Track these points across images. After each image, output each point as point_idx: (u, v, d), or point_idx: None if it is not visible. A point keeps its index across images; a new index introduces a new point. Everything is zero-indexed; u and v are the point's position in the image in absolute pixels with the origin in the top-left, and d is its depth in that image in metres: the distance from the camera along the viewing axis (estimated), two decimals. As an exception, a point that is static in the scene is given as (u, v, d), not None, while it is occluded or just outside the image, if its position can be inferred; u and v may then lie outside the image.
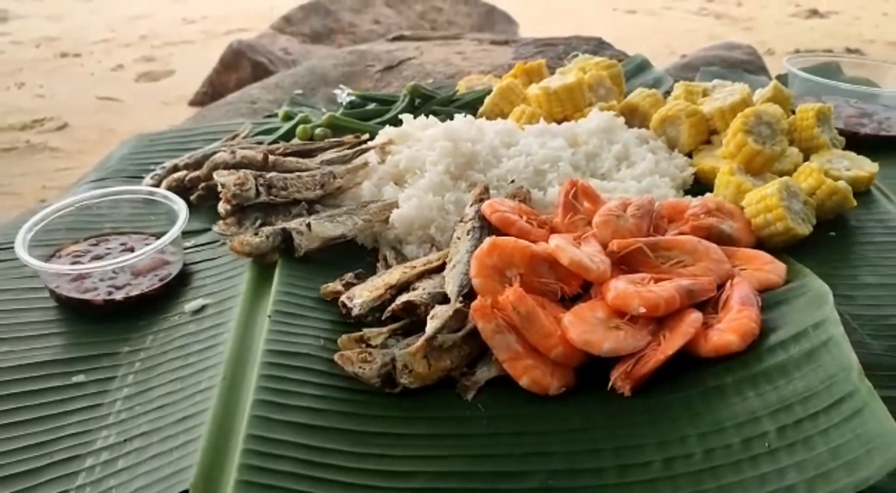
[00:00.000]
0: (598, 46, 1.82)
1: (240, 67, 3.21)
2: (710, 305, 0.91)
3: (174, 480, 0.72)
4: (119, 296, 1.00)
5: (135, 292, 1.01)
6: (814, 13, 6.10)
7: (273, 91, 1.62)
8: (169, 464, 0.75)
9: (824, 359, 0.78)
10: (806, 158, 1.21)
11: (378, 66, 1.70)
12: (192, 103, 3.42)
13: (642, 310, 0.86)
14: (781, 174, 1.11)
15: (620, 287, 0.89)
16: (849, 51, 4.88)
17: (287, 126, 1.35)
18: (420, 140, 1.19)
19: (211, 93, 3.32)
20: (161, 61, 4.24)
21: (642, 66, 1.64)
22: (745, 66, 2.15)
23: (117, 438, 0.81)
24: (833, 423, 0.72)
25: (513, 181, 1.11)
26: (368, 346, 0.88)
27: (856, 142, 1.30)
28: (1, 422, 0.84)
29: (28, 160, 2.86)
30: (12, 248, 1.03)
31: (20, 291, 1.05)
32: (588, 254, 0.93)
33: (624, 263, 0.96)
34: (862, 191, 1.16)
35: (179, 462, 0.74)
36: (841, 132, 1.31)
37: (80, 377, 0.91)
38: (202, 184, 1.18)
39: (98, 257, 1.06)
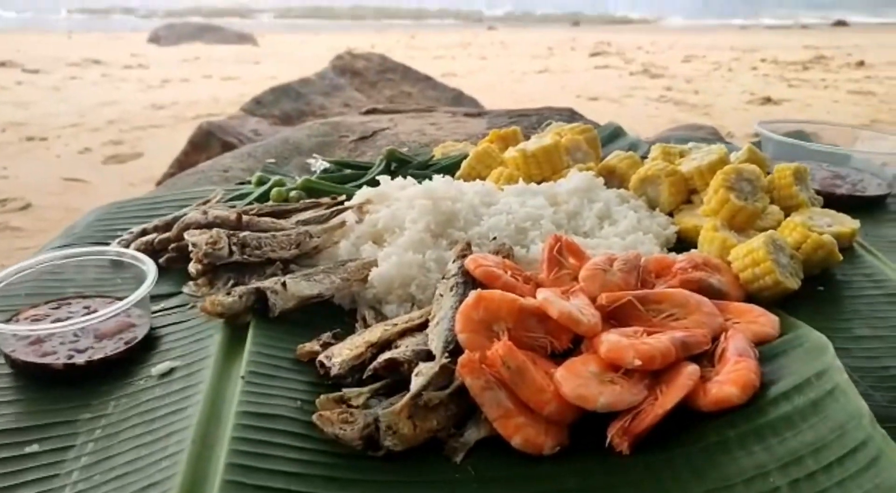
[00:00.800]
0: (570, 116, 1.83)
1: (209, 148, 3.19)
2: (705, 358, 0.88)
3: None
4: (80, 360, 0.94)
5: (97, 356, 0.94)
6: (767, 100, 6.35)
7: (245, 160, 1.60)
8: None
9: (831, 408, 0.74)
10: (787, 217, 1.20)
11: (352, 137, 1.70)
12: (160, 184, 3.38)
13: (638, 363, 0.82)
14: (764, 231, 1.10)
15: (614, 340, 0.85)
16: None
17: (260, 190, 1.32)
18: (398, 200, 1.16)
19: (179, 174, 3.29)
20: (129, 144, 4.22)
21: (616, 133, 1.65)
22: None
23: (74, 505, 0.74)
24: (849, 474, 0.68)
25: (494, 238, 1.09)
26: (349, 406, 0.83)
27: (832, 202, 1.31)
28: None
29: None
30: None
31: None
32: (577, 307, 0.90)
33: (613, 317, 0.92)
34: (844, 247, 1.15)
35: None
36: (818, 193, 1.32)
37: (35, 447, 0.83)
38: (172, 245, 1.13)
39: (59, 321, 1.00)
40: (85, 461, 0.81)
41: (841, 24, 16.77)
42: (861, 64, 8.92)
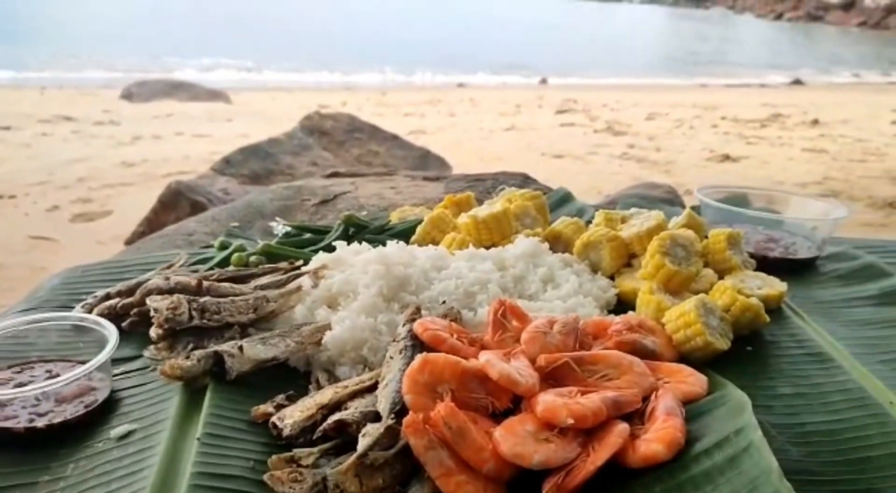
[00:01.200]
0: (523, 181, 1.92)
1: (178, 207, 3.24)
2: (636, 416, 0.94)
3: None
4: (41, 424, 0.97)
5: (58, 420, 0.98)
6: (726, 158, 6.56)
7: (209, 224, 1.65)
8: None
9: (746, 464, 0.80)
10: (720, 279, 1.28)
11: (314, 200, 1.76)
12: (129, 243, 3.41)
13: (570, 421, 0.88)
14: (698, 293, 1.17)
15: (549, 400, 0.91)
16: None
17: (222, 255, 1.37)
18: (353, 265, 1.22)
19: (148, 232, 3.32)
20: (98, 202, 4.25)
21: (565, 199, 1.74)
22: (665, 203, 2.28)
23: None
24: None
25: (444, 302, 1.15)
26: (299, 466, 0.87)
27: (766, 265, 1.39)
28: None
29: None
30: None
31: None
32: (517, 368, 0.95)
33: (552, 377, 0.98)
34: (773, 308, 1.23)
35: None
36: (752, 256, 1.40)
37: (-10, 512, 0.87)
38: (134, 310, 1.17)
39: (21, 385, 1.03)
40: (44, 523, 0.84)
41: (797, 83, 17.37)
42: (815, 122, 9.24)
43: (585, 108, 11.21)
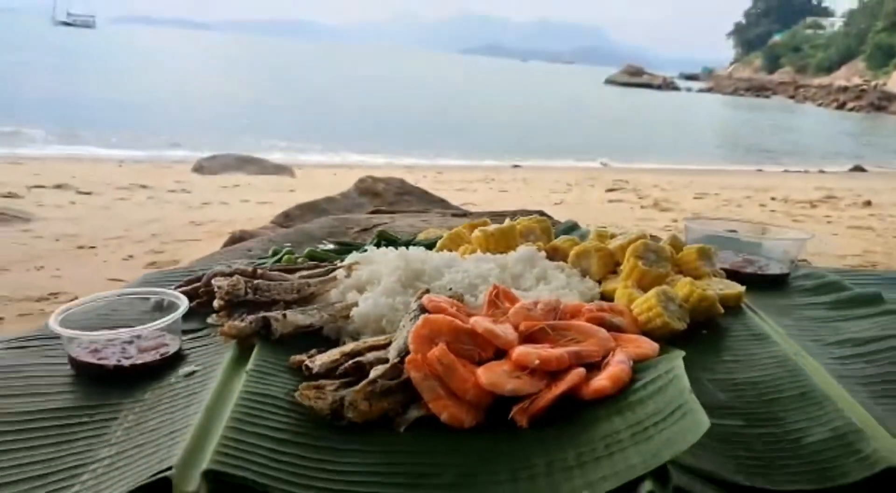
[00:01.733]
0: (539, 215, 2.17)
1: (239, 254, 3.57)
2: (595, 368, 1.16)
3: (162, 464, 0.93)
4: (126, 363, 1.24)
5: (139, 362, 1.25)
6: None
7: (267, 245, 1.94)
8: (159, 457, 0.95)
9: (669, 390, 1.02)
10: (690, 284, 1.49)
11: (356, 229, 2.04)
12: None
13: (537, 362, 1.11)
14: (667, 292, 1.39)
15: (522, 348, 1.14)
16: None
17: (275, 258, 1.65)
18: (379, 262, 1.48)
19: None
20: (168, 253, 4.65)
21: (572, 227, 1.98)
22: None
23: (118, 449, 1.02)
24: (668, 425, 0.94)
25: (451, 289, 1.39)
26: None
27: (739, 280, 1.59)
28: (22, 445, 1.05)
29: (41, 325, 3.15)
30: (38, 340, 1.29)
31: (45, 364, 1.29)
32: (500, 328, 1.19)
33: (529, 340, 1.21)
34: (732, 306, 1.44)
35: (168, 453, 0.95)
36: (727, 272, 1.61)
37: (86, 417, 1.13)
38: (202, 290, 1.45)
39: (111, 340, 1.31)
40: (126, 425, 1.09)
41: (858, 169, 17.34)
42: (868, 204, 9.29)
43: (636, 187, 11.44)
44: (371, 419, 1.07)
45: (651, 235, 1.64)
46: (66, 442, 1.06)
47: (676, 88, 71.15)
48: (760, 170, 18.20)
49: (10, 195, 7.03)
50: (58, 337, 1.30)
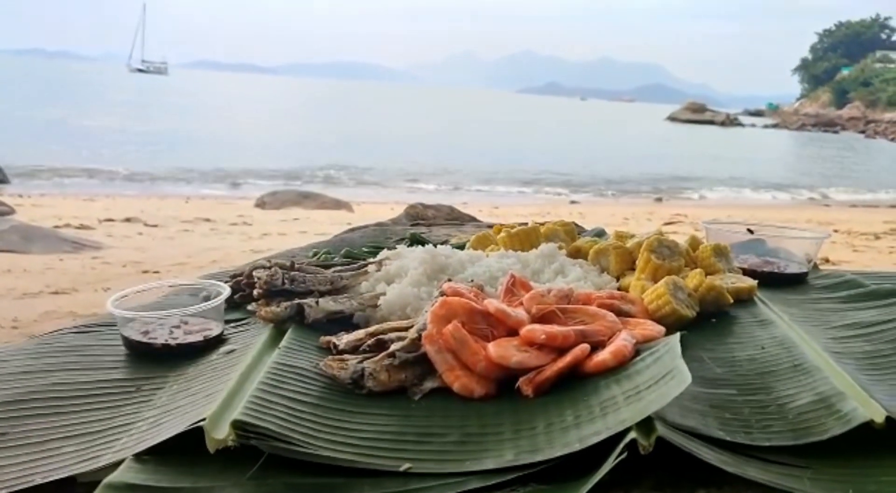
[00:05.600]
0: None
1: (293, 274, 3.72)
2: (600, 347, 1.23)
3: (199, 417, 1.03)
4: (173, 343, 1.36)
5: (185, 342, 1.37)
6: (826, 261, 6.56)
7: (308, 250, 2.06)
8: (196, 414, 1.06)
9: (665, 359, 1.09)
10: (705, 279, 1.55)
11: (395, 238, 2.15)
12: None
13: (543, 337, 1.19)
14: (681, 285, 1.45)
15: (531, 325, 1.22)
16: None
17: (314, 259, 1.77)
18: (407, 257, 1.58)
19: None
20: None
21: (600, 233, 2.05)
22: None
23: (162, 410, 1.14)
24: (658, 387, 1.01)
25: (472, 281, 1.48)
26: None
27: (756, 279, 1.64)
28: (84, 408, 1.18)
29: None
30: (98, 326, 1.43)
31: (103, 345, 1.43)
32: (512, 309, 1.28)
33: (541, 321, 1.29)
34: (745, 298, 1.49)
35: (204, 410, 1.06)
36: (745, 272, 1.66)
37: (136, 387, 1.25)
38: (244, 281, 1.57)
39: (160, 323, 1.44)
40: (171, 392, 1.21)
41: (933, 204, 16.85)
42: (937, 236, 9.03)
43: (694, 221, 11.32)
44: (389, 388, 1.17)
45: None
46: (119, 406, 1.18)
47: (740, 125, 70.13)
48: (827, 205, 17.82)
49: (82, 227, 7.40)
50: (114, 323, 1.44)
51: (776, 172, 25.77)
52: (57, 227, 7.08)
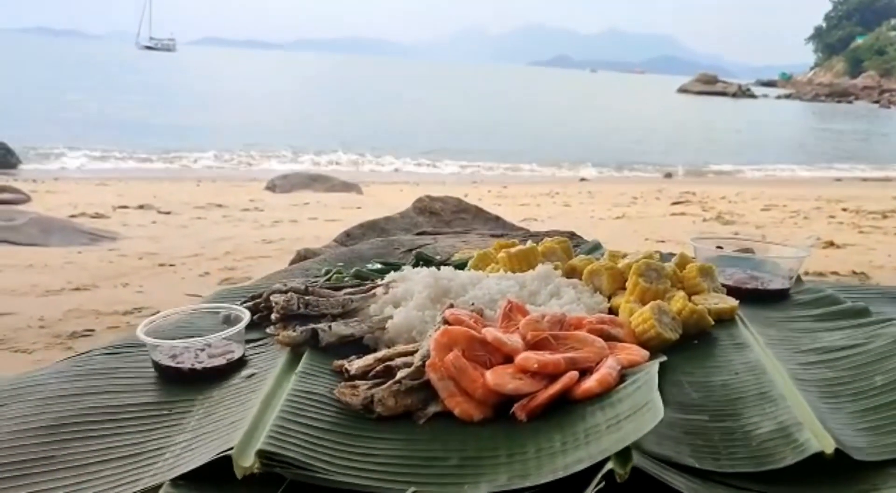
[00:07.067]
0: (570, 236, 2.36)
1: (305, 270, 3.85)
2: (589, 373, 1.35)
3: (226, 446, 1.16)
4: (199, 366, 1.49)
5: (210, 365, 1.50)
6: (830, 244, 6.66)
7: (322, 264, 2.18)
8: (223, 441, 1.19)
9: (643, 390, 1.20)
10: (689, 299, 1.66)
11: (402, 249, 2.27)
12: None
13: (535, 366, 1.31)
14: (667, 306, 1.57)
15: (525, 354, 1.34)
16: (854, 273, 5.34)
17: (326, 277, 1.89)
18: (414, 280, 1.70)
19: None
20: (240, 270, 4.99)
21: (596, 247, 2.17)
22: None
23: (191, 435, 1.27)
24: (636, 418, 1.13)
25: (472, 304, 1.60)
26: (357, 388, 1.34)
27: (740, 296, 1.75)
28: (115, 432, 1.31)
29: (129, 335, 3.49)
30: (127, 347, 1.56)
31: (133, 367, 1.55)
32: (508, 338, 1.39)
33: (535, 348, 1.41)
34: (727, 318, 1.61)
35: (230, 438, 1.19)
36: (730, 289, 1.77)
37: (166, 410, 1.38)
38: (262, 304, 1.69)
39: (186, 347, 1.56)
40: (198, 417, 1.33)
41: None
42: (945, 213, 9.07)
43: (703, 199, 11.38)
44: (396, 413, 1.29)
45: (660, 253, 1.82)
46: (150, 430, 1.31)
47: (753, 96, 69.59)
48: (839, 179, 17.76)
49: (97, 216, 7.57)
50: (143, 345, 1.57)
51: (787, 146, 25.66)
52: (73, 216, 7.25)
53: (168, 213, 8.12)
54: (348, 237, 4.17)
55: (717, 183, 15.47)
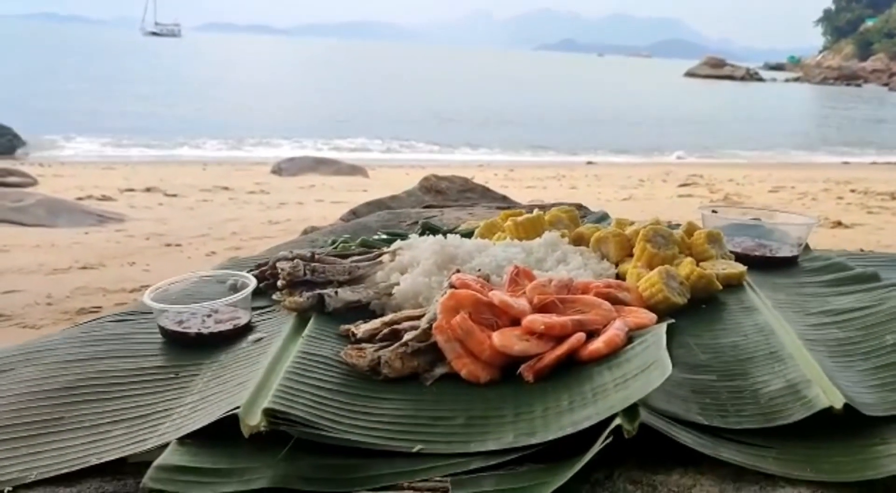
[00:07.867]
0: (577, 208, 2.35)
1: (311, 248, 3.85)
2: (596, 335, 1.34)
3: (233, 405, 1.16)
4: (205, 331, 1.49)
5: (216, 330, 1.50)
6: (838, 224, 6.63)
7: (328, 235, 2.18)
8: (230, 401, 1.19)
9: (651, 349, 1.20)
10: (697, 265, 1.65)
11: (408, 222, 2.26)
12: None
13: (542, 327, 1.30)
14: (674, 272, 1.56)
15: (531, 316, 1.34)
16: (862, 251, 5.32)
17: (332, 247, 1.89)
18: (419, 247, 1.70)
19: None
20: (247, 250, 5.00)
21: (603, 217, 2.15)
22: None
23: (199, 397, 1.27)
24: (643, 373, 1.13)
25: (479, 270, 1.59)
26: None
27: (749, 263, 1.74)
28: (126, 394, 1.31)
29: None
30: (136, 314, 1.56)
31: (142, 332, 1.56)
32: (515, 300, 1.39)
33: (541, 311, 1.40)
34: (735, 284, 1.60)
35: (237, 398, 1.18)
36: (738, 256, 1.76)
37: (174, 374, 1.38)
38: (268, 272, 1.69)
39: (193, 313, 1.56)
40: (205, 380, 1.33)
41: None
42: (954, 193, 9.01)
43: (710, 182, 11.33)
44: (403, 375, 1.29)
45: (668, 222, 1.80)
46: (159, 392, 1.31)
47: (761, 79, 69.11)
48: (847, 162, 17.65)
49: (104, 198, 7.58)
50: (151, 311, 1.57)
51: (795, 130, 25.51)
52: (80, 199, 7.27)
53: (174, 195, 8.13)
54: (354, 215, 4.16)
55: (724, 166, 15.39)
